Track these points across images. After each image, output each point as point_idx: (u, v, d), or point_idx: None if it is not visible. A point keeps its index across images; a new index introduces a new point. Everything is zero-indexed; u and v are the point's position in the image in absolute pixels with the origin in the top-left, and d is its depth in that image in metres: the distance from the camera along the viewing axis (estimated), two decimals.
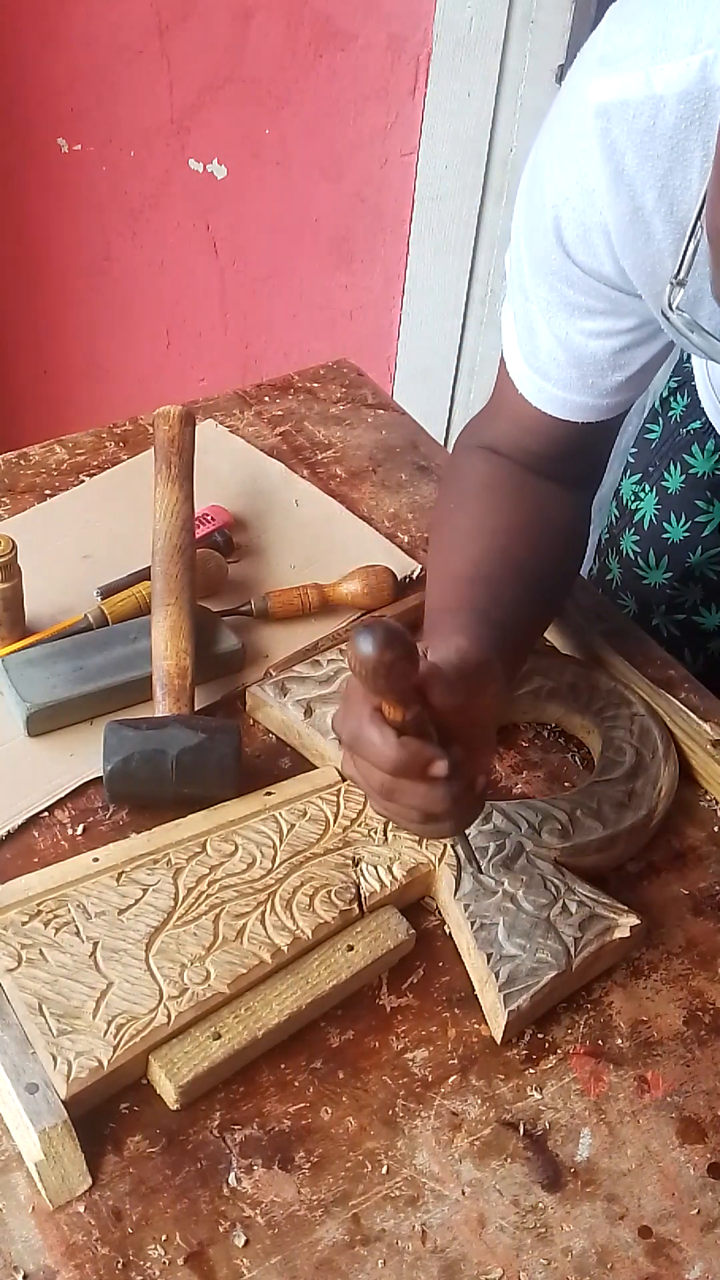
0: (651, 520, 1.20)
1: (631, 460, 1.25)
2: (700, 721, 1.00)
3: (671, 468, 1.19)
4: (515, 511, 0.95)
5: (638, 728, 0.98)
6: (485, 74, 1.61)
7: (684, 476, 1.18)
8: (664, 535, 1.19)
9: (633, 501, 1.23)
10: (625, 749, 0.96)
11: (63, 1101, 0.73)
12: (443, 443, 1.73)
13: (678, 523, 1.18)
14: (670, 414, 1.20)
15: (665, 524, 1.19)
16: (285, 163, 1.88)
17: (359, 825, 0.88)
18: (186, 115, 1.92)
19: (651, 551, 1.20)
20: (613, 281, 0.84)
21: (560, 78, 1.56)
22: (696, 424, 1.17)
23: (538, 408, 0.93)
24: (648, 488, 1.21)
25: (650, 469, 1.21)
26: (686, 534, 1.18)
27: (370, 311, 1.93)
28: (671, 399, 1.21)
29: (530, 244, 0.87)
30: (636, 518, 1.22)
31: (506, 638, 0.86)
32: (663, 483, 1.20)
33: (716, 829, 0.97)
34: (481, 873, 0.86)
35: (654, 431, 1.22)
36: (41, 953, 0.79)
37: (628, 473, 1.25)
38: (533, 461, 0.97)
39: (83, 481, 1.17)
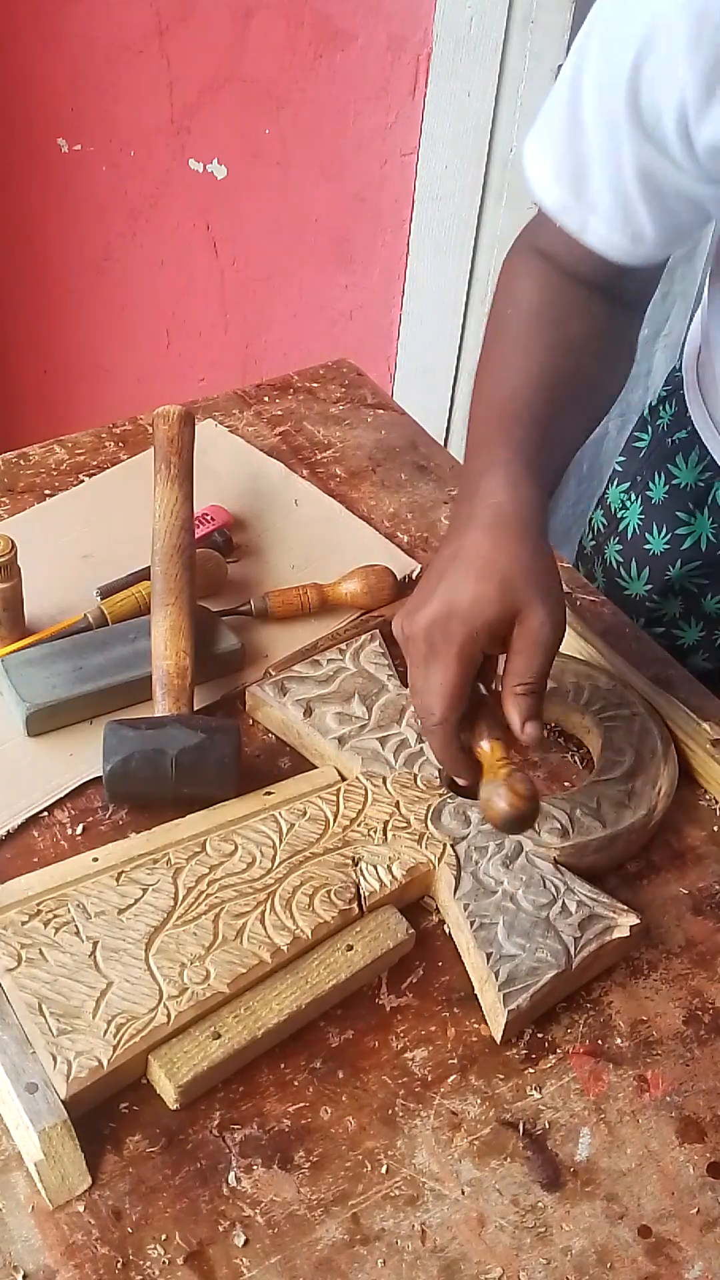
0: (635, 530, 1.20)
1: (619, 469, 1.24)
2: (700, 721, 1.00)
3: (656, 477, 1.18)
4: (569, 323, 0.92)
5: (637, 727, 0.98)
6: (485, 74, 1.61)
7: (667, 487, 1.17)
8: (645, 546, 1.19)
9: (619, 510, 1.22)
10: (625, 749, 0.96)
11: (62, 1101, 0.73)
12: (442, 442, 1.73)
13: (659, 534, 1.17)
14: (659, 422, 1.20)
15: (647, 534, 1.19)
16: (285, 163, 1.88)
17: (358, 825, 0.88)
18: (186, 115, 1.92)
19: (634, 562, 1.20)
20: (682, 115, 0.79)
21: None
22: (682, 433, 1.16)
23: (582, 241, 0.90)
24: (634, 496, 1.21)
25: (637, 478, 1.20)
26: (667, 546, 1.17)
27: (370, 311, 1.93)
28: (661, 407, 1.20)
29: (603, 65, 0.82)
30: (621, 527, 1.21)
31: (549, 469, 0.89)
32: (647, 492, 1.19)
33: (716, 829, 0.97)
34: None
35: (642, 440, 1.22)
36: (41, 952, 0.79)
37: (615, 481, 1.24)
38: (583, 276, 0.94)
39: (82, 481, 1.18)
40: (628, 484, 1.22)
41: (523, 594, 0.81)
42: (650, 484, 1.18)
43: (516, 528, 0.84)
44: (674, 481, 1.16)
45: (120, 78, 1.94)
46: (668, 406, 1.19)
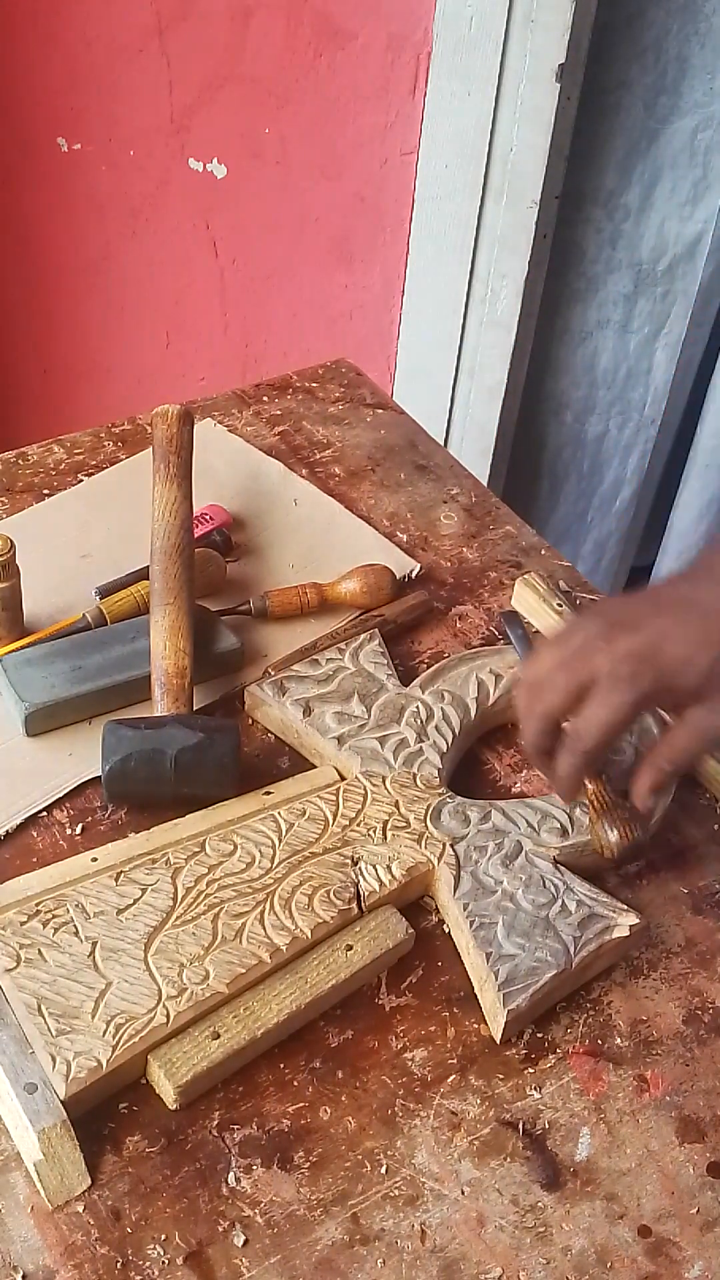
0: None
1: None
2: None
3: None
4: None
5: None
6: (485, 73, 1.61)
7: None
8: None
9: None
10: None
11: (62, 1101, 0.73)
12: (442, 442, 1.73)
13: None
14: None
15: None
16: (285, 162, 1.88)
17: (358, 824, 0.88)
18: (186, 115, 1.92)
19: None
20: None
21: (560, 77, 1.56)
22: None
23: None
24: None
25: None
26: None
27: (370, 311, 1.93)
28: None
29: None
30: None
31: None
32: None
33: (716, 828, 0.97)
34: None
35: None
36: (40, 953, 0.79)
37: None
38: None
39: (81, 481, 1.17)
40: None
41: None
42: None
43: None
44: None
45: (120, 77, 1.94)
46: None
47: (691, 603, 0.78)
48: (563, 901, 0.86)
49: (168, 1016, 0.77)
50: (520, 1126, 0.78)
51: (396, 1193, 0.75)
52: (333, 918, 0.83)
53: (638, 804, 0.84)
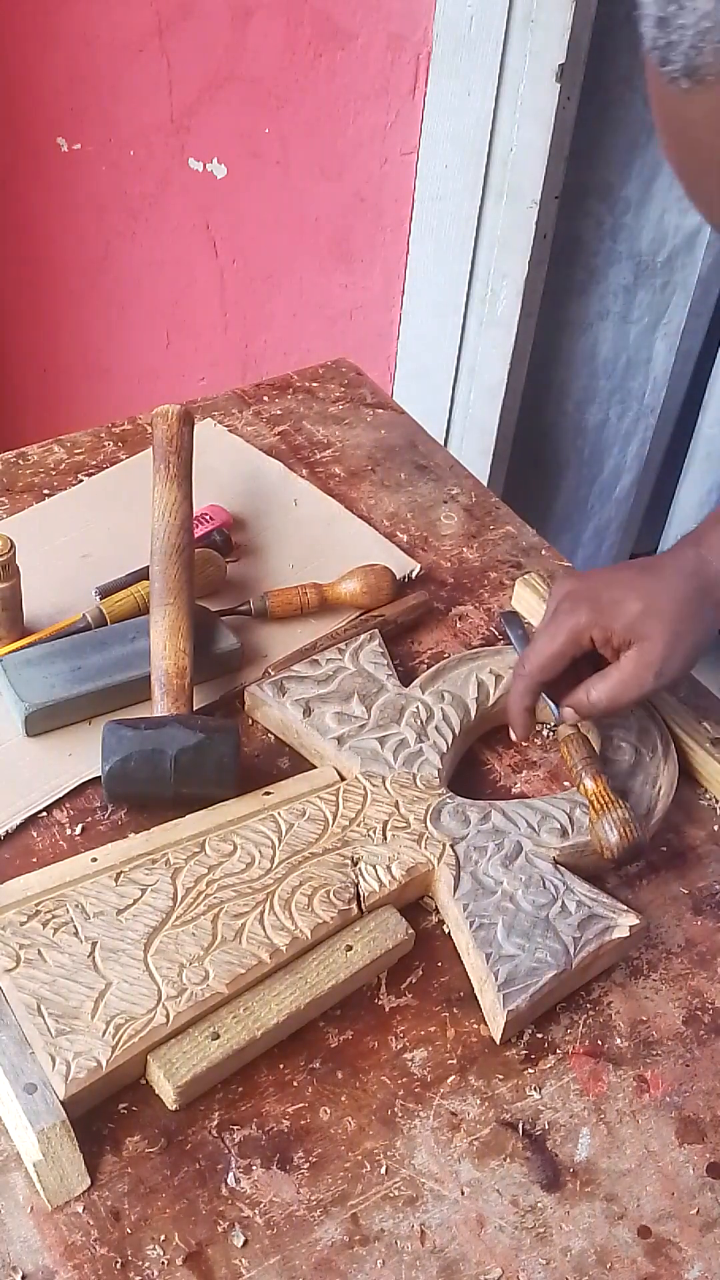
0: None
1: None
2: (700, 720, 1.00)
3: None
4: None
5: (637, 726, 0.98)
6: (485, 73, 1.61)
7: None
8: None
9: None
10: (624, 747, 0.96)
11: (61, 1102, 0.73)
12: (442, 442, 1.73)
13: None
14: None
15: None
16: (285, 162, 1.88)
17: (358, 825, 0.88)
18: (186, 114, 1.92)
19: None
20: None
21: (560, 77, 1.56)
22: None
23: None
24: None
25: None
26: None
27: (370, 311, 1.93)
28: None
29: None
30: None
31: None
32: None
33: (716, 828, 0.97)
34: None
35: None
36: (40, 953, 0.79)
37: None
38: None
39: (81, 481, 1.17)
40: None
41: (656, 627, 0.85)
42: None
43: (703, 586, 0.88)
44: None
45: (120, 77, 1.94)
46: None
47: (648, 568, 0.90)
48: (563, 902, 0.86)
49: (167, 1017, 0.77)
50: (520, 1127, 0.78)
51: (396, 1193, 0.75)
52: (332, 918, 0.83)
53: (565, 714, 0.92)
